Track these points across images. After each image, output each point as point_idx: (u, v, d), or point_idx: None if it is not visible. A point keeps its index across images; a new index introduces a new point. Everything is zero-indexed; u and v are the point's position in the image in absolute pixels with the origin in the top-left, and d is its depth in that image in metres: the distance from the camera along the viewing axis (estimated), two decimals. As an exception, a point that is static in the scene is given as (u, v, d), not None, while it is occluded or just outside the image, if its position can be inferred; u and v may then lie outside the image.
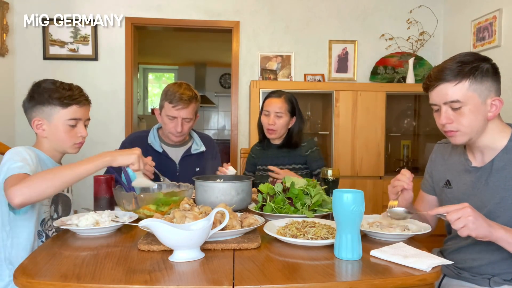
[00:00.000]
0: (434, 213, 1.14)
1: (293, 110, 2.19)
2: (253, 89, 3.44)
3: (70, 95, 1.47)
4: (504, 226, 1.13)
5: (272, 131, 2.16)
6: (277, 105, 2.15)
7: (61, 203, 1.55)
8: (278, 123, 2.15)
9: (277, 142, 2.24)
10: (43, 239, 1.44)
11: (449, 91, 1.21)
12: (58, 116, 1.46)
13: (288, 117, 2.17)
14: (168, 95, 1.95)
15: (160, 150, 2.04)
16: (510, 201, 1.22)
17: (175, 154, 2.08)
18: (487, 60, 1.23)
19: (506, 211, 1.22)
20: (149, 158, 1.76)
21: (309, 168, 2.19)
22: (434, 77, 1.25)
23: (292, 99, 2.20)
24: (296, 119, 2.21)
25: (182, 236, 1.00)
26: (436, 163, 1.47)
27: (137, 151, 1.36)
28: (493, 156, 1.27)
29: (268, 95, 2.22)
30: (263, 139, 2.28)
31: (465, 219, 1.07)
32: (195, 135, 2.18)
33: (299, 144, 2.21)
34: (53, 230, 1.48)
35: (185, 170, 2.06)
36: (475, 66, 1.20)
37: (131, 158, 1.33)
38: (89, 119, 1.58)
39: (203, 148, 2.13)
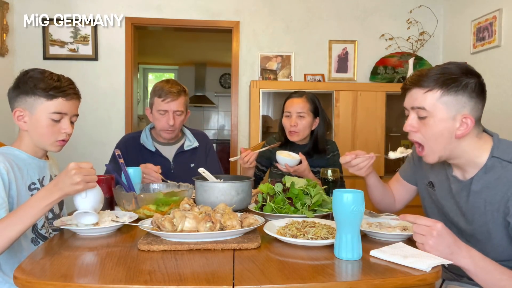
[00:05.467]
0: (403, 219, 1.08)
1: (316, 110, 2.07)
2: (253, 89, 3.44)
3: (57, 86, 1.35)
4: (478, 254, 1.03)
5: (294, 133, 2.04)
6: (299, 105, 2.04)
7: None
8: (301, 124, 2.03)
9: (302, 145, 2.10)
10: (40, 243, 1.37)
11: (419, 96, 1.17)
12: (42, 108, 1.34)
13: (311, 117, 2.06)
14: (156, 91, 2.00)
15: (153, 149, 2.05)
16: (491, 225, 1.17)
17: (169, 152, 2.09)
18: (474, 76, 1.15)
19: (491, 235, 1.17)
20: (158, 167, 1.79)
21: None
22: (410, 80, 1.21)
23: (314, 98, 2.08)
24: (320, 120, 2.09)
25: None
26: (421, 160, 1.40)
27: (72, 165, 1.14)
28: (473, 174, 1.20)
29: (289, 96, 2.11)
30: (285, 142, 2.12)
31: (424, 238, 1.01)
32: (187, 132, 2.19)
33: (326, 149, 2.09)
34: (50, 231, 1.42)
35: (180, 167, 2.07)
36: (453, 78, 1.13)
37: (75, 180, 1.13)
38: (77, 115, 1.45)
39: (196, 144, 2.14)
